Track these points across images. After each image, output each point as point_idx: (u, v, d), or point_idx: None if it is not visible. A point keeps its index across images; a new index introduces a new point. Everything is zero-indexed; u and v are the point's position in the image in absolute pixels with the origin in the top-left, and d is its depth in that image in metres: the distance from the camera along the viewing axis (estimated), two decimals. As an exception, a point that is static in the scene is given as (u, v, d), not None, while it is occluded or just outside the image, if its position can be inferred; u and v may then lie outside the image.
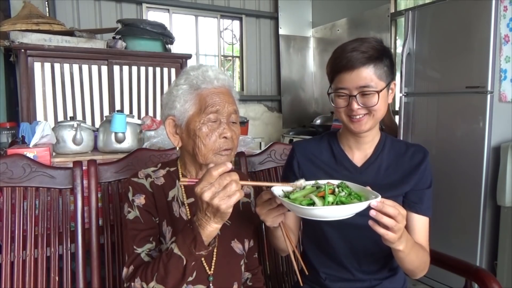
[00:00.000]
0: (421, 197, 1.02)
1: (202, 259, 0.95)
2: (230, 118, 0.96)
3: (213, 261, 0.98)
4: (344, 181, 0.86)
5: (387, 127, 2.96)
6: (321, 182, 0.87)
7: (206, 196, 0.72)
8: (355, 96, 0.95)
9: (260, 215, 0.88)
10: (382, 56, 0.96)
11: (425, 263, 0.98)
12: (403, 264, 0.95)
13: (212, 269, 0.97)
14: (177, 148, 0.99)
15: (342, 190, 0.82)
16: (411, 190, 1.02)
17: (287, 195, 0.84)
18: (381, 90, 0.95)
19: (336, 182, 0.86)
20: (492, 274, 1.09)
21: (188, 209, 0.99)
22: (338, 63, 0.97)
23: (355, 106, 0.96)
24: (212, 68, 0.98)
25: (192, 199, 0.99)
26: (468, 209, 2.27)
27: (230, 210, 0.74)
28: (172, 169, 1.02)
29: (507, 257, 2.15)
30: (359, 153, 1.06)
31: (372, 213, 0.78)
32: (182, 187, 1.00)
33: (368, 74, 0.94)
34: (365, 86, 0.94)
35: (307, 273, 0.98)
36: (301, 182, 0.85)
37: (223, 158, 0.94)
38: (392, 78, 1.01)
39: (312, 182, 0.88)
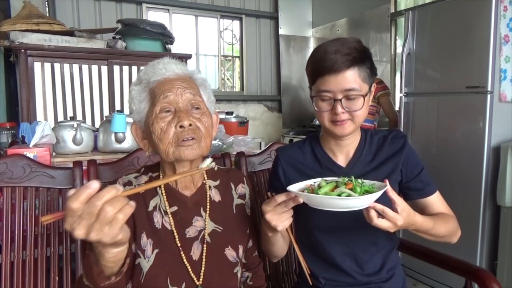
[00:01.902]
0: (422, 180, 1.05)
1: (189, 269, 0.88)
2: (189, 104, 0.87)
3: (202, 271, 0.90)
4: (344, 177, 0.87)
5: (393, 121, 2.92)
6: (329, 179, 0.89)
7: (79, 234, 0.56)
8: (340, 100, 0.94)
9: (271, 221, 0.84)
10: (365, 58, 0.96)
11: (451, 229, 1.02)
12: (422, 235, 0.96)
13: (201, 279, 0.89)
14: (147, 153, 0.92)
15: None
16: (411, 181, 1.04)
17: (308, 191, 0.84)
18: (366, 94, 0.96)
19: (335, 178, 0.88)
20: (492, 274, 1.09)
21: (171, 218, 0.89)
22: (323, 65, 0.94)
23: (339, 109, 0.95)
24: (165, 60, 0.90)
25: (175, 208, 0.91)
26: (468, 209, 2.27)
27: (120, 235, 0.60)
28: (154, 174, 0.94)
29: (507, 257, 2.15)
30: (342, 156, 1.06)
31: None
32: (164, 195, 0.91)
33: (353, 77, 0.94)
34: (350, 89, 0.93)
35: (309, 272, 0.97)
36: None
37: (187, 151, 0.83)
38: (373, 79, 1.01)
39: (311, 181, 0.89)
